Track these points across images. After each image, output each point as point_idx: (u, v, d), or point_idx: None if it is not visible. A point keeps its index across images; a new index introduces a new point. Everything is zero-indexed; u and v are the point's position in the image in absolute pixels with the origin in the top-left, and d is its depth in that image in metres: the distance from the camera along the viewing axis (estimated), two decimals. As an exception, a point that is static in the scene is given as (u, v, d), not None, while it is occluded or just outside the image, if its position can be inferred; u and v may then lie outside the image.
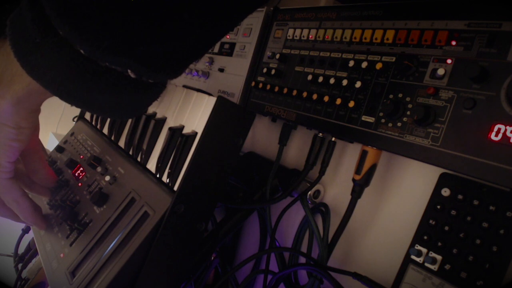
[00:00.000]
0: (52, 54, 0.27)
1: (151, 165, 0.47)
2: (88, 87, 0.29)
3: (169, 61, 0.30)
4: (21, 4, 0.29)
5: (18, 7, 0.30)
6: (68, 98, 0.30)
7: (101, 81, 0.29)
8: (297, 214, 0.53)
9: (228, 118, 0.42)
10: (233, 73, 0.61)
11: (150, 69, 0.29)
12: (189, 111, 0.46)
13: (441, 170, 0.37)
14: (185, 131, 0.44)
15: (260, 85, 0.55)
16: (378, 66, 0.41)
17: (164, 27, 0.27)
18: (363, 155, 0.42)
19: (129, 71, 0.29)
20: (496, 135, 0.31)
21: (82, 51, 0.27)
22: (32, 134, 0.42)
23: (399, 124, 0.39)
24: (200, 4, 0.28)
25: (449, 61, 0.36)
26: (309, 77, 0.48)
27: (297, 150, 0.55)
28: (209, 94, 0.44)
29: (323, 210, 0.48)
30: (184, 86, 0.55)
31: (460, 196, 0.35)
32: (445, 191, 0.37)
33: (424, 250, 0.36)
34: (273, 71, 0.53)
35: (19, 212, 0.46)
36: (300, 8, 0.53)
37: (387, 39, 0.41)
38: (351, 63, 0.44)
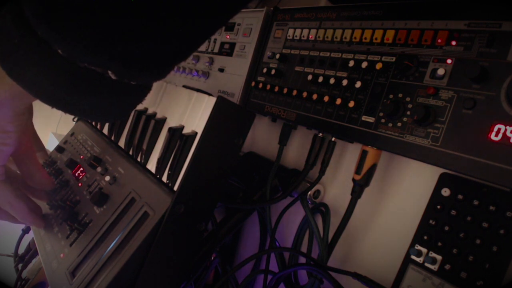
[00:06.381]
0: (31, 55, 0.27)
1: (151, 165, 0.47)
2: (67, 88, 0.29)
3: (151, 62, 0.29)
4: (5, 6, 0.29)
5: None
6: (48, 100, 0.30)
7: (81, 82, 0.28)
8: (297, 214, 0.53)
9: (228, 118, 0.42)
10: (233, 73, 0.61)
11: (131, 70, 0.29)
12: (189, 111, 0.46)
13: (441, 170, 0.37)
14: (185, 131, 0.44)
15: (260, 85, 0.55)
16: (378, 66, 0.41)
17: (143, 27, 0.27)
18: (363, 155, 0.42)
19: (109, 72, 0.29)
20: (496, 135, 0.31)
21: (60, 51, 0.27)
22: (22, 138, 0.42)
23: (399, 124, 0.39)
24: (181, 4, 0.27)
25: (449, 61, 0.36)
26: (309, 77, 0.48)
27: (297, 150, 0.55)
28: (209, 94, 0.44)
29: (323, 210, 0.48)
30: (184, 86, 0.55)
31: (460, 196, 0.35)
32: (445, 191, 0.37)
33: (424, 250, 0.36)
34: (273, 71, 0.53)
35: (15, 214, 0.46)
36: (300, 8, 0.53)
37: (387, 39, 0.41)
38: (351, 63, 0.44)
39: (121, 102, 0.32)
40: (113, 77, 0.29)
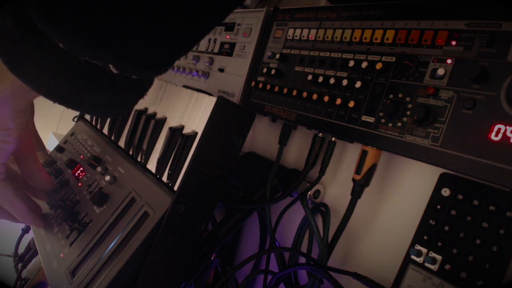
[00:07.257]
0: (32, 49, 0.27)
1: (151, 165, 0.47)
2: (68, 83, 0.29)
3: (151, 57, 0.30)
4: (5, 6, 0.29)
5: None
6: (50, 95, 0.30)
7: (82, 77, 0.28)
8: (297, 214, 0.53)
9: (228, 118, 0.42)
10: (233, 73, 0.61)
11: (131, 64, 0.29)
12: (189, 111, 0.46)
13: (441, 170, 0.37)
14: (185, 131, 0.44)
15: (260, 85, 0.55)
16: (378, 66, 0.41)
17: (143, 27, 0.27)
18: (363, 155, 0.42)
19: (110, 66, 0.29)
20: (496, 135, 0.31)
21: (61, 45, 0.27)
22: (23, 136, 0.41)
23: (399, 124, 0.39)
24: (181, 4, 0.27)
25: (449, 61, 0.36)
26: (309, 77, 0.48)
27: (297, 150, 0.55)
28: (209, 94, 0.44)
29: (323, 210, 0.48)
30: (184, 86, 0.55)
31: (460, 196, 0.35)
32: (445, 191, 0.37)
33: (424, 250, 0.36)
34: (273, 71, 0.53)
35: (14, 213, 0.46)
36: (300, 8, 0.53)
37: (387, 39, 0.41)
38: (351, 63, 0.44)
39: (123, 97, 0.32)
40: (114, 71, 0.29)
